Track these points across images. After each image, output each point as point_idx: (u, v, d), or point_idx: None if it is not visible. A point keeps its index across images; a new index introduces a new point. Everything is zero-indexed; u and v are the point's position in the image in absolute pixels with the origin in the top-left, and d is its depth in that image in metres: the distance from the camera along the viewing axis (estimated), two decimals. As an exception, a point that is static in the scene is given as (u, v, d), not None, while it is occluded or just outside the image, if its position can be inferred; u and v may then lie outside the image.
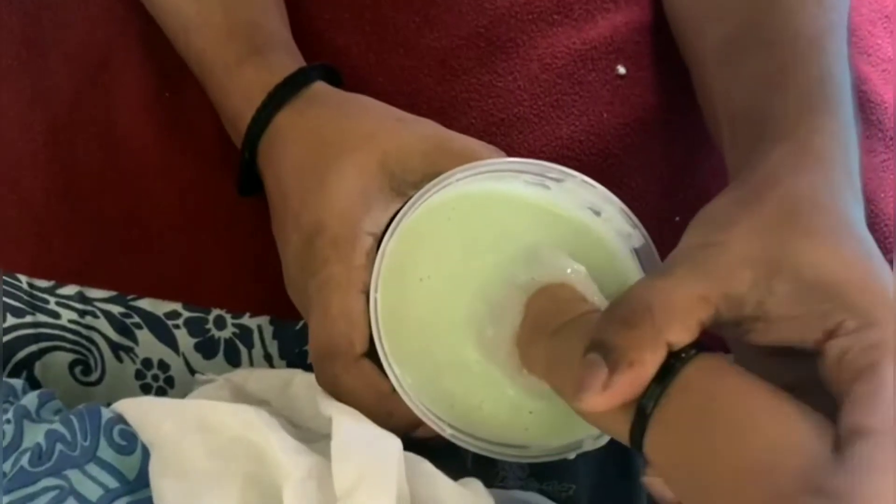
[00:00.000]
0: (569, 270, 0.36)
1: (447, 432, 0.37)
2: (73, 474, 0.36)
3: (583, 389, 0.30)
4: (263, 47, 0.43)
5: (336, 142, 0.40)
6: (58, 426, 0.37)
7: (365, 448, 0.35)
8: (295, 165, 0.40)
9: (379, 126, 0.40)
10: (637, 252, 0.38)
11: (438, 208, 0.38)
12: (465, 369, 0.37)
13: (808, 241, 0.30)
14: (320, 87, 0.42)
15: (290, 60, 0.43)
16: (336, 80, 0.44)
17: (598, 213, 0.38)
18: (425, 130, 0.40)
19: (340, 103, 0.41)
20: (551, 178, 0.38)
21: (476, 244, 0.38)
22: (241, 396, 0.41)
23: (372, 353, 0.38)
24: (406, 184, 0.40)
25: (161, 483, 0.36)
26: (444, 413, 0.37)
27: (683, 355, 0.29)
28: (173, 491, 0.36)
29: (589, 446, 0.37)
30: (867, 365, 0.27)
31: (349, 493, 0.33)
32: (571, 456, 0.37)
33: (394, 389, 0.37)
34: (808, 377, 0.29)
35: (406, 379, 0.37)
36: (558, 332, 0.34)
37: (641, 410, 0.29)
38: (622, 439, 0.30)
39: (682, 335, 0.29)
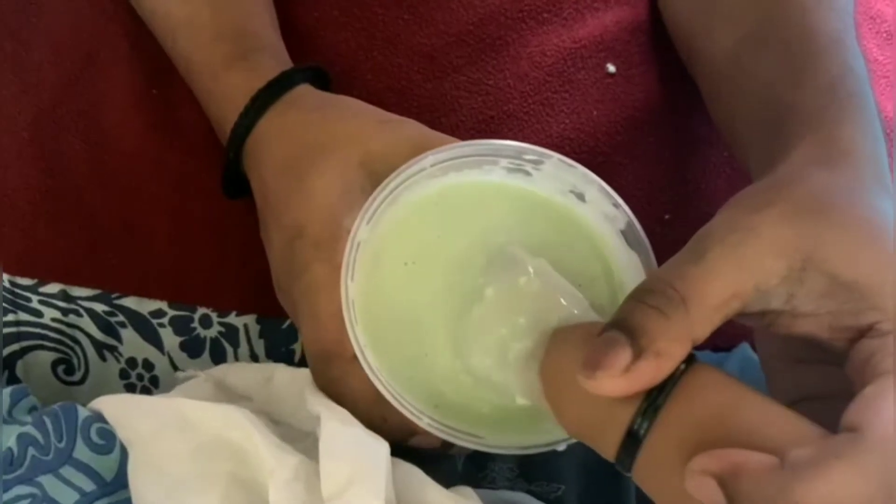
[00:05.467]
0: (530, 269, 0.35)
1: (424, 421, 0.35)
2: (47, 480, 0.35)
3: (599, 368, 0.27)
4: (250, 52, 0.43)
5: (317, 143, 0.39)
6: (30, 429, 0.36)
7: (354, 448, 0.34)
8: (276, 168, 0.40)
9: (361, 127, 0.39)
10: (624, 234, 0.37)
11: (415, 201, 0.37)
12: (445, 361, 0.36)
13: (841, 235, 0.28)
14: (304, 89, 0.42)
15: (275, 64, 0.43)
16: (325, 80, 0.44)
17: (581, 197, 0.37)
18: (409, 131, 0.40)
19: (324, 105, 0.41)
20: (529, 161, 0.37)
21: (457, 242, 0.37)
22: (223, 392, 0.40)
23: None
24: None
25: (141, 484, 0.35)
26: (422, 403, 0.36)
27: (682, 366, 0.27)
28: (154, 491, 0.35)
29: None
30: (891, 369, 0.26)
31: (339, 494, 0.32)
32: (561, 447, 0.35)
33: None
34: (826, 386, 0.29)
35: (379, 365, 0.35)
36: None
37: (634, 434, 0.27)
38: (604, 452, 0.28)
39: (706, 331, 0.28)
